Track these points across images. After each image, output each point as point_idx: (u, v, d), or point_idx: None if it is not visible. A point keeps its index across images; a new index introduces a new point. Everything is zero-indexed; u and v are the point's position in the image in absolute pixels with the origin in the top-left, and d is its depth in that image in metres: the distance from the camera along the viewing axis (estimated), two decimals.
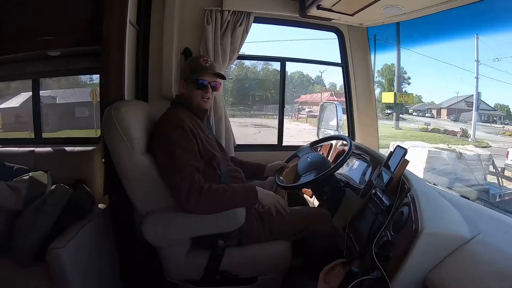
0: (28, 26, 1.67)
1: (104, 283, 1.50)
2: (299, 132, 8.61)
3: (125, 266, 1.59)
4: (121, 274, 1.58)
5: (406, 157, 1.10)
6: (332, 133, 1.91)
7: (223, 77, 1.32)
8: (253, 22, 1.78)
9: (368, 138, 2.00)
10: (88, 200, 1.55)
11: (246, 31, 1.75)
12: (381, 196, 1.13)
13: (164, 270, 1.30)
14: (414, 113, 13.96)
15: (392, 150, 1.19)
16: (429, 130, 12.11)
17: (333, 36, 2.02)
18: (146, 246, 1.25)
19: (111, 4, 1.45)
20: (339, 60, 2.02)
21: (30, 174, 1.68)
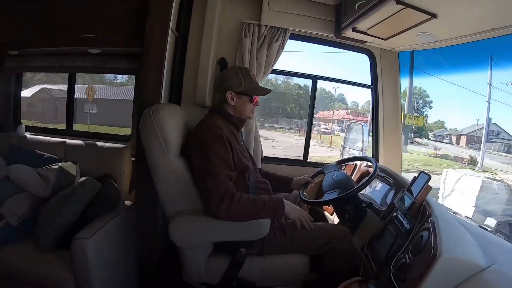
0: (71, 22, 1.73)
1: (122, 276, 1.53)
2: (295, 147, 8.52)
3: (144, 263, 1.61)
4: (139, 270, 1.61)
5: (429, 183, 1.13)
6: (356, 153, 1.92)
7: (269, 92, 1.36)
8: (288, 39, 1.82)
9: (392, 160, 2.00)
10: (115, 195, 1.60)
11: (282, 47, 1.79)
12: (402, 219, 1.16)
13: (183, 271, 1.32)
14: (432, 138, 13.71)
15: (416, 176, 1.22)
16: (439, 155, 11.92)
17: (361, 57, 2.05)
18: (166, 244, 1.27)
19: (155, 9, 1.51)
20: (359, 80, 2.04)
21: (60, 164, 1.75)
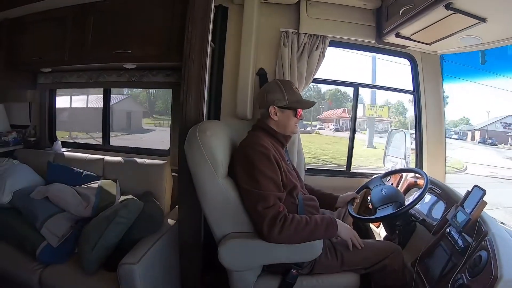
0: (105, 38, 1.72)
1: None
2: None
3: (188, 282, 1.58)
4: None
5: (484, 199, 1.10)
6: (398, 161, 1.86)
7: (314, 104, 1.32)
8: (328, 46, 1.77)
9: (436, 167, 1.92)
10: (159, 215, 1.57)
11: (322, 55, 1.74)
12: (456, 237, 1.12)
13: None
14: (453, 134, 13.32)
15: (470, 190, 1.18)
16: None
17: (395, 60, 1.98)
18: (212, 264, 1.24)
19: (193, 22, 1.48)
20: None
21: (99, 182, 1.74)
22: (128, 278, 1.25)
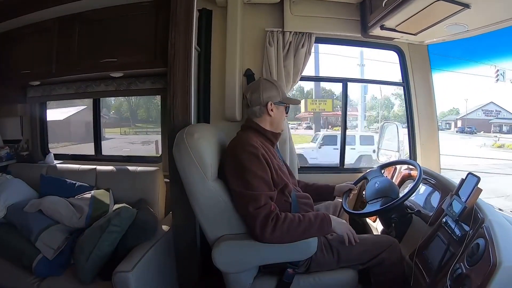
0: (91, 48, 1.72)
1: None
2: None
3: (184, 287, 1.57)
4: None
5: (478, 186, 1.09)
6: (392, 154, 1.85)
7: (299, 102, 1.33)
8: (314, 43, 1.76)
9: (430, 159, 1.92)
10: (153, 221, 1.56)
11: (308, 52, 1.74)
12: (453, 226, 1.11)
13: None
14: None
15: (464, 178, 1.17)
16: None
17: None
18: (207, 267, 1.23)
19: (176, 27, 1.47)
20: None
21: (92, 192, 1.73)
22: (123, 286, 1.24)
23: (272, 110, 1.26)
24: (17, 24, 1.85)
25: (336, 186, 1.51)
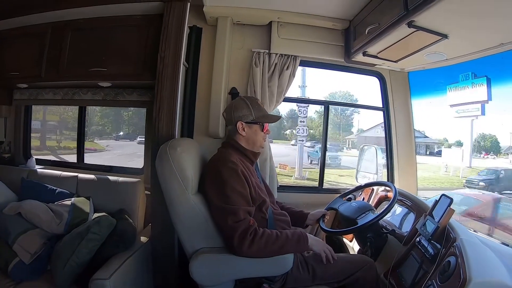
0: (82, 56, 1.73)
1: None
2: None
3: None
4: None
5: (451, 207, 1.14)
6: (371, 176, 1.90)
7: (279, 118, 1.36)
8: (299, 65, 1.82)
9: (407, 182, 1.97)
10: (131, 232, 1.57)
11: (293, 74, 1.79)
12: (426, 245, 1.15)
13: None
14: None
15: (437, 199, 1.22)
16: None
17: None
18: (184, 280, 1.23)
19: (166, 42, 1.52)
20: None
21: (73, 199, 1.72)
22: None
23: (244, 129, 1.28)
24: (8, 26, 1.85)
25: (310, 214, 1.52)
